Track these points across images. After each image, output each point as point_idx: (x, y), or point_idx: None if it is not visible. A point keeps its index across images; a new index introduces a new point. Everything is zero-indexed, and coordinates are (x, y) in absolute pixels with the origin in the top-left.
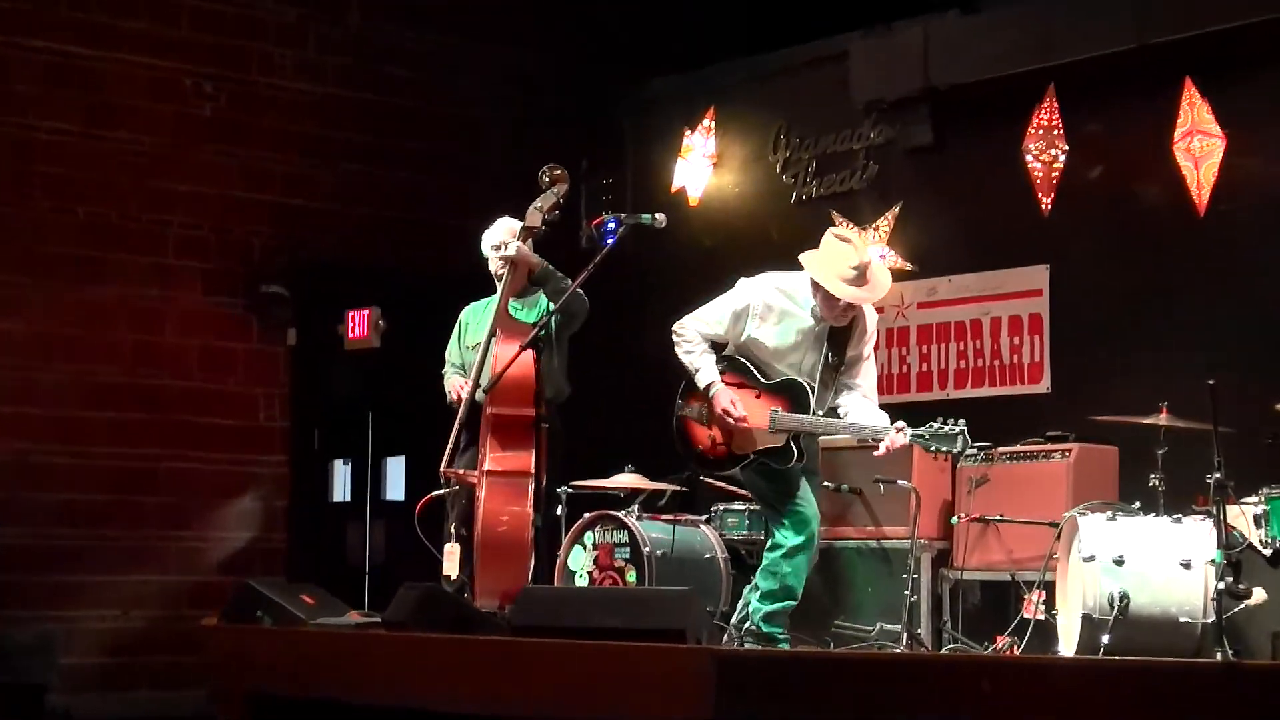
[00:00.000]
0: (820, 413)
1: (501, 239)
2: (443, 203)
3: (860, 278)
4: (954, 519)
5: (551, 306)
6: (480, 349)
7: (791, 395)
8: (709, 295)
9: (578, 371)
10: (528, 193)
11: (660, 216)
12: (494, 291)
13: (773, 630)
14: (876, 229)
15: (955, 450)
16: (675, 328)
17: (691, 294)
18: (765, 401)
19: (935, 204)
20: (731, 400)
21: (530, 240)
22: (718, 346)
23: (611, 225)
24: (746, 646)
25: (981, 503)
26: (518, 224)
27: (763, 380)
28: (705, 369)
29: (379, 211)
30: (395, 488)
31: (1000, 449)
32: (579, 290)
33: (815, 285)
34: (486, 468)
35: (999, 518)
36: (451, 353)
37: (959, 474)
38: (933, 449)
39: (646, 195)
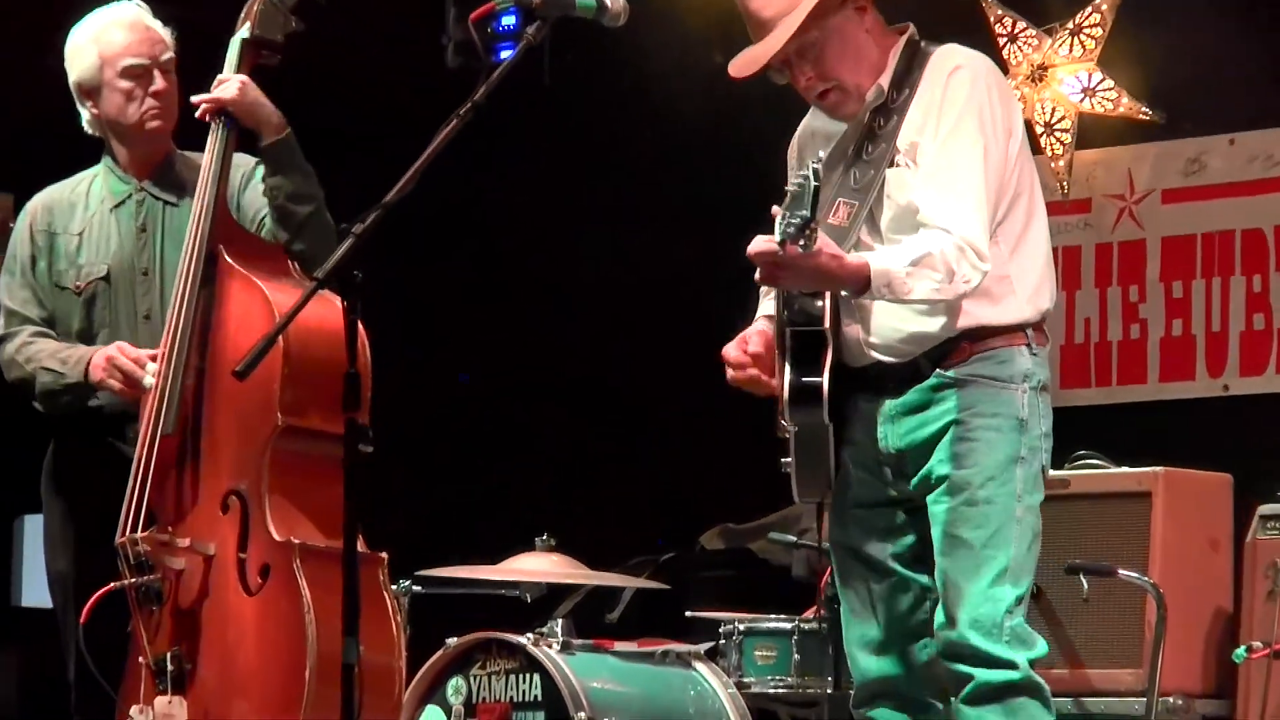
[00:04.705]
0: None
1: (138, 56)
2: None
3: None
4: (1239, 652)
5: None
6: (181, 289)
7: None
8: (730, 175)
9: (429, 353)
10: None
11: (616, 2)
12: (94, 161)
13: None
14: (1076, 31)
15: (795, 221)
16: None
17: (687, 171)
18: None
19: None
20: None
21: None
22: None
23: (510, 22)
24: None
25: None
26: (159, 26)
27: None
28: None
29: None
30: (38, 581)
31: None
32: (327, 216)
33: None
34: (294, 540)
35: None
36: (13, 295)
37: (1250, 552)
38: (780, 237)
39: None
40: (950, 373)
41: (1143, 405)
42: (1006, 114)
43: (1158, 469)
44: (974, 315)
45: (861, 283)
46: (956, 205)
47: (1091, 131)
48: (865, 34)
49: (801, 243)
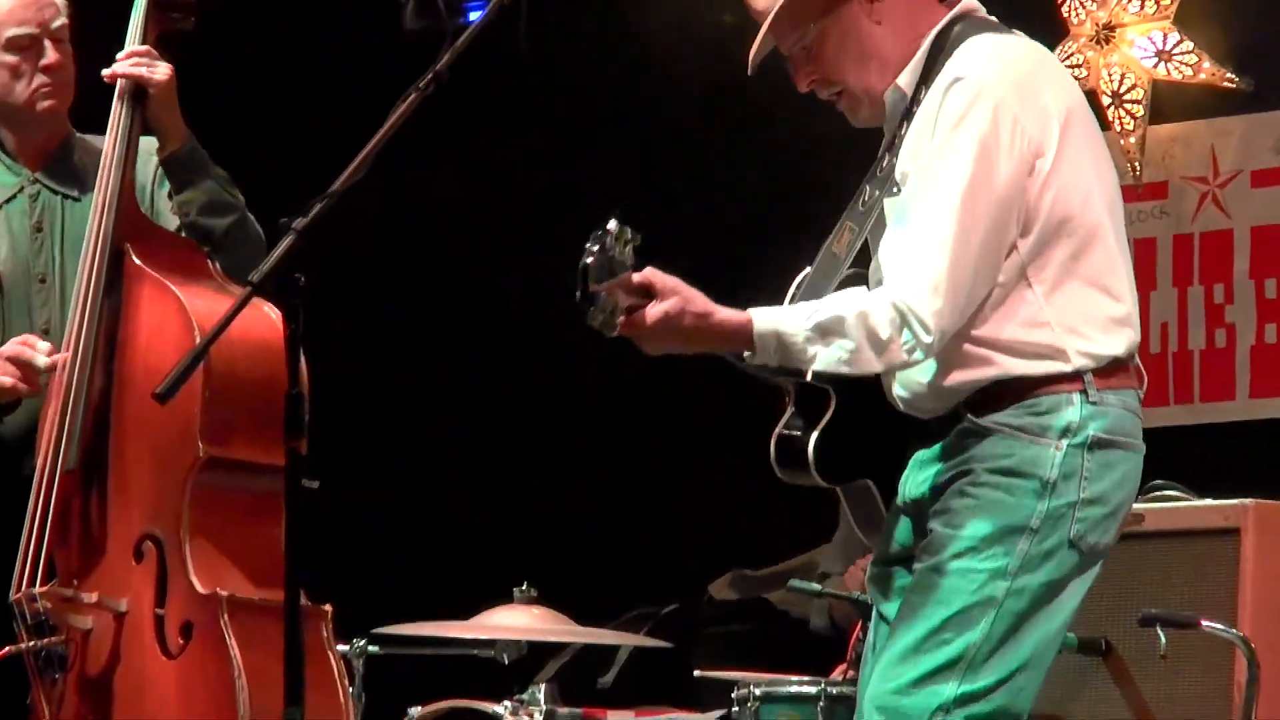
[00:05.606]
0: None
1: (24, 24)
2: None
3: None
4: None
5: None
6: (82, 296)
7: None
8: (742, 160)
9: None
10: None
11: None
12: None
13: None
14: None
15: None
16: None
17: (692, 157)
18: None
19: None
20: None
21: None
22: None
23: None
24: None
25: None
26: None
27: None
28: None
29: None
30: None
31: None
32: (252, 225)
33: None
34: (221, 592)
35: None
36: None
37: None
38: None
39: None
40: (979, 419)
41: (1230, 426)
42: (1031, 128)
43: (1247, 501)
44: (1004, 366)
45: (744, 342)
46: (912, 257)
47: (1168, 102)
48: (875, 26)
49: (599, 321)
